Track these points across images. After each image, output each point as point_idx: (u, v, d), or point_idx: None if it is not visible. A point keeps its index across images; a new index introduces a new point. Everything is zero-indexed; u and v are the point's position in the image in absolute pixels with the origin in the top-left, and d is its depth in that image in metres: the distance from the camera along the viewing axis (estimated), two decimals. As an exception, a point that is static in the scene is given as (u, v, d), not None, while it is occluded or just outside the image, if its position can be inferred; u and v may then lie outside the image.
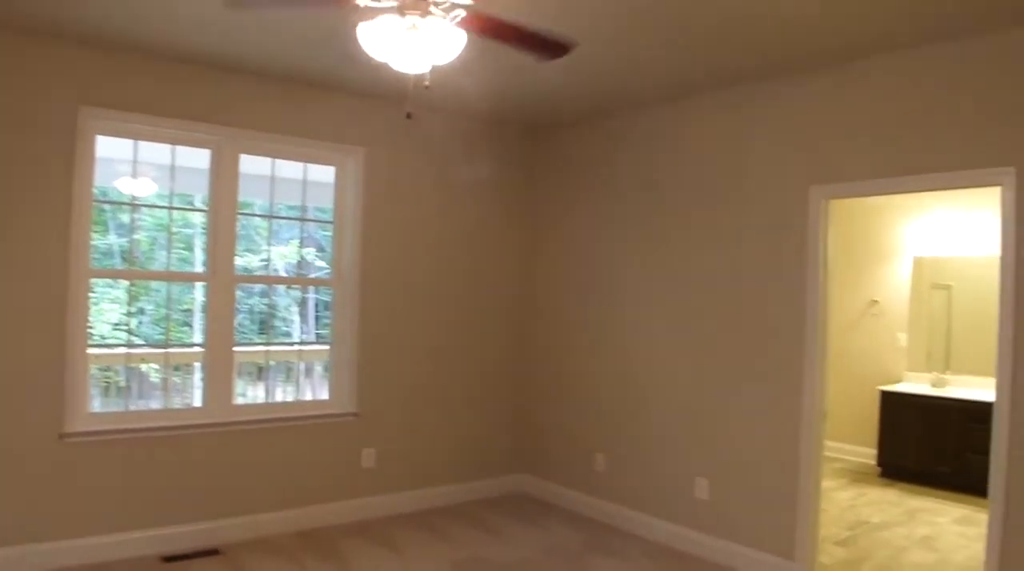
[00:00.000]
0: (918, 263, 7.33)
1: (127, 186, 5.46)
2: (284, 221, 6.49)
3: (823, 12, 3.54)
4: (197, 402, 5.20)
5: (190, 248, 8.52)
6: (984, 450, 5.88)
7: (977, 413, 6.27)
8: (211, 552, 4.55)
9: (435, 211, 5.68)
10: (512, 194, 6.15)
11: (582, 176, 5.79)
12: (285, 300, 9.95)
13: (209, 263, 4.86)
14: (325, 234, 7.01)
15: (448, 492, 5.76)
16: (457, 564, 4.56)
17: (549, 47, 3.07)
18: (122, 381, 6.39)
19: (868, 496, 6.29)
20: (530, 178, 6.22)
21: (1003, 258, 3.64)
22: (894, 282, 7.47)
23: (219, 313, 4.86)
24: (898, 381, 7.30)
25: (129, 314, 8.65)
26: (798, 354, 4.38)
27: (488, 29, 2.87)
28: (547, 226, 6.09)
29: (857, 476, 6.96)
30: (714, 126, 4.87)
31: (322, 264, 8.88)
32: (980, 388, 6.64)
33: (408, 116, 3.77)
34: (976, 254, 6.84)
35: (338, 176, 5.33)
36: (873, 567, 4.66)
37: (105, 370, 6.37)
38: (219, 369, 4.85)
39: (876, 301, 7.54)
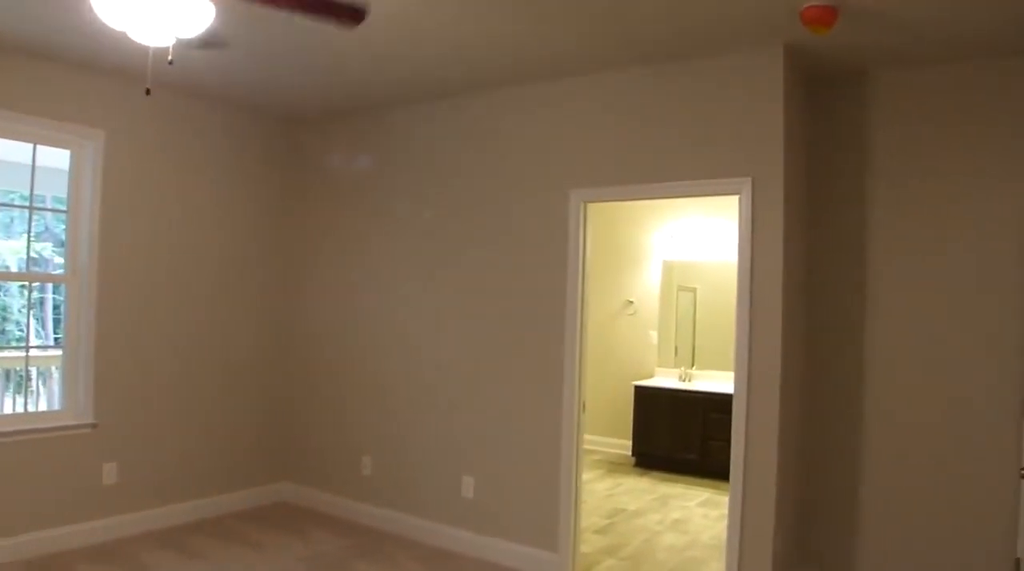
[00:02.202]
0: (667, 266, 7.89)
1: None
2: (16, 211, 5.69)
3: (575, 22, 3.69)
4: None
5: None
6: (724, 437, 6.41)
7: (718, 404, 6.86)
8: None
9: (187, 203, 5.26)
10: (276, 187, 5.84)
11: (352, 170, 5.61)
12: (18, 301, 8.80)
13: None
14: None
15: (203, 506, 5.35)
16: (212, 585, 4.23)
17: (335, 12, 2.88)
18: None
19: (624, 485, 6.66)
20: (296, 171, 5.93)
21: (740, 260, 3.97)
22: (647, 284, 8.00)
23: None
24: (650, 376, 7.82)
25: None
26: (559, 351, 4.51)
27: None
28: (314, 221, 5.83)
29: (613, 467, 7.36)
30: (484, 125, 4.91)
31: (62, 261, 7.94)
32: (721, 381, 7.27)
33: (147, 92, 3.42)
34: (717, 259, 7.48)
35: (73, 162, 4.76)
36: (631, 552, 4.91)
37: None
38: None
39: (631, 301, 8.03)
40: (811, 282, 4.37)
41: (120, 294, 4.89)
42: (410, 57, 4.27)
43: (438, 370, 5.05)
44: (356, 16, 2.94)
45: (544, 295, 4.60)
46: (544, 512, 4.54)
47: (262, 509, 5.64)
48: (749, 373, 3.93)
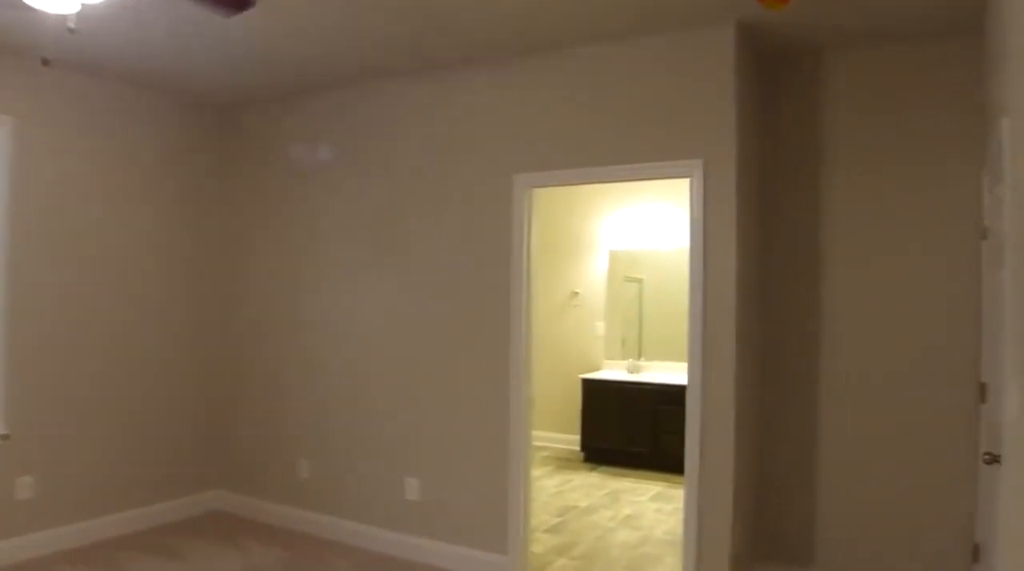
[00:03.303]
0: (613, 256, 7.75)
1: None
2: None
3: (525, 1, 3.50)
4: None
5: None
6: (673, 430, 6.33)
7: (667, 396, 6.77)
8: None
9: (108, 194, 4.90)
10: (206, 176, 5.50)
11: (284, 159, 5.31)
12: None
13: None
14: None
15: (129, 519, 5.00)
16: (137, 604, 3.92)
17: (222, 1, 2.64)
18: None
19: (574, 481, 6.51)
20: (227, 158, 5.59)
21: (692, 246, 3.82)
22: (593, 274, 7.85)
23: None
24: (598, 369, 7.68)
25: None
26: (505, 344, 4.32)
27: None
28: (247, 213, 5.51)
29: (563, 463, 7.20)
30: (423, 109, 4.67)
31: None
32: (669, 372, 7.18)
33: (44, 63, 3.13)
34: (664, 248, 7.37)
35: (-23, 150, 4.38)
36: (583, 551, 4.75)
37: None
38: None
39: (577, 292, 7.87)
40: (765, 268, 4.25)
41: (34, 292, 4.52)
42: (338, 36, 4.02)
43: (379, 366, 4.81)
44: (238, 5, 2.69)
45: (488, 287, 4.39)
46: (493, 513, 4.34)
47: (194, 520, 5.31)
48: (703, 363, 3.79)
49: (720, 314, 3.74)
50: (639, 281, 7.70)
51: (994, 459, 2.85)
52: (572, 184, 4.35)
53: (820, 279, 4.13)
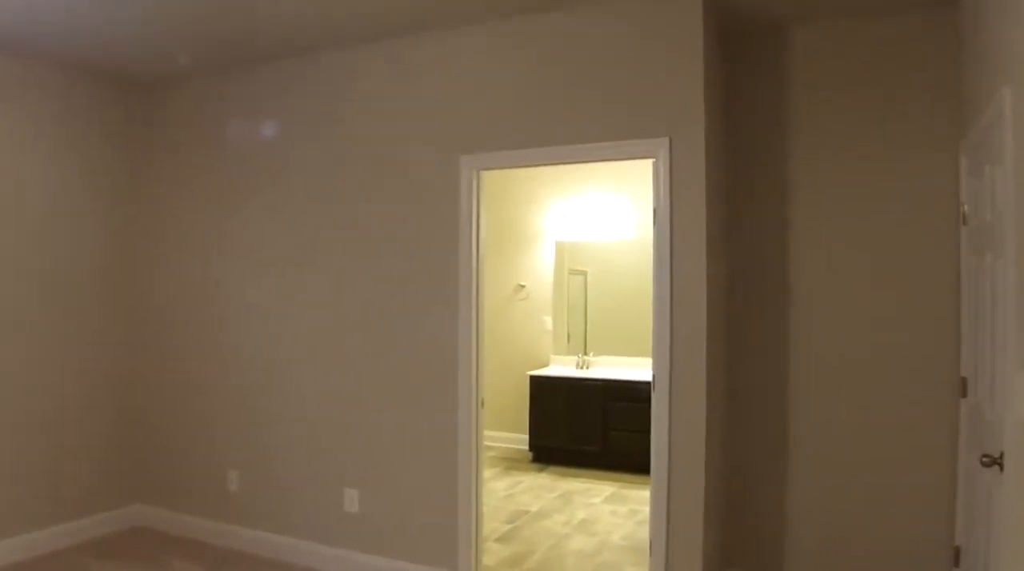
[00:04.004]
0: (559, 248, 7.45)
1: None
2: None
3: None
4: None
5: None
6: (626, 427, 6.08)
7: (617, 392, 6.50)
8: None
9: (7, 181, 4.36)
10: (118, 159, 4.96)
11: (205, 143, 4.83)
12: None
13: None
14: None
15: (40, 539, 4.47)
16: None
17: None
18: None
19: (524, 483, 6.19)
20: (141, 140, 5.07)
21: (657, 232, 3.53)
22: (539, 266, 7.53)
23: None
24: (545, 365, 7.37)
25: None
26: (453, 341, 3.96)
27: None
28: (166, 202, 5.00)
29: (511, 464, 6.87)
30: (360, 84, 4.27)
31: None
32: (619, 367, 6.92)
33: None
34: (613, 238, 7.10)
35: None
36: (538, 561, 4.43)
37: None
38: None
39: (523, 285, 7.55)
40: (732, 257, 3.99)
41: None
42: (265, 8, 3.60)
43: (314, 367, 4.39)
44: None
45: (435, 279, 4.03)
46: (441, 524, 3.98)
47: (112, 538, 4.80)
48: (671, 358, 3.49)
49: (689, 306, 3.46)
50: (583, 274, 7.41)
51: (994, 461, 2.62)
52: (525, 166, 4.01)
53: (788, 268, 3.89)
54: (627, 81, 3.58)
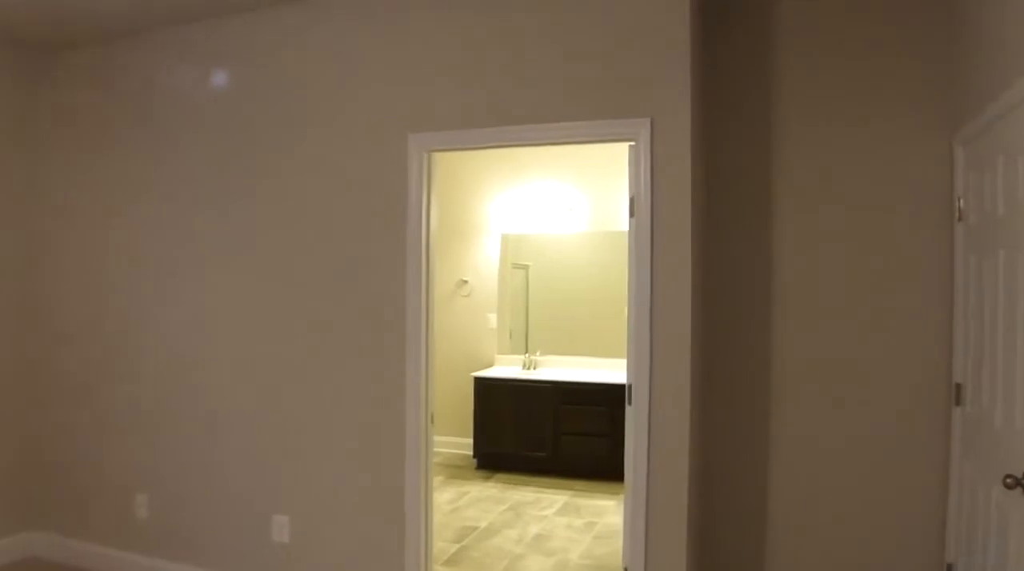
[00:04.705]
0: (505, 241, 7.06)
1: None
2: None
3: None
4: None
5: None
6: (577, 431, 5.75)
7: (569, 394, 6.16)
8: None
9: None
10: None
11: (113, 118, 4.23)
12: None
13: None
14: None
15: (-91, 575, 3.86)
16: None
17: None
18: None
19: (470, 494, 5.77)
20: (27, 117, 4.46)
21: (637, 223, 3.17)
22: (483, 260, 7.12)
23: None
24: (490, 365, 6.97)
25: None
26: (399, 346, 3.53)
27: None
28: (57, 190, 4.39)
29: (455, 471, 6.45)
30: (292, 48, 3.77)
31: None
32: (569, 367, 6.57)
33: None
34: (562, 232, 6.75)
35: None
36: (491, 586, 4.04)
37: None
38: None
39: (466, 281, 7.13)
40: (712, 249, 3.66)
41: None
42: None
43: (237, 376, 3.87)
44: None
45: (378, 275, 3.58)
46: (384, 553, 3.53)
47: (5, 568, 4.20)
48: (652, 363, 3.13)
49: (672, 305, 3.10)
50: (525, 268, 7.05)
51: (1018, 482, 2.34)
52: (484, 147, 3.59)
53: (771, 262, 3.58)
54: (604, 53, 3.19)
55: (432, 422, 3.57)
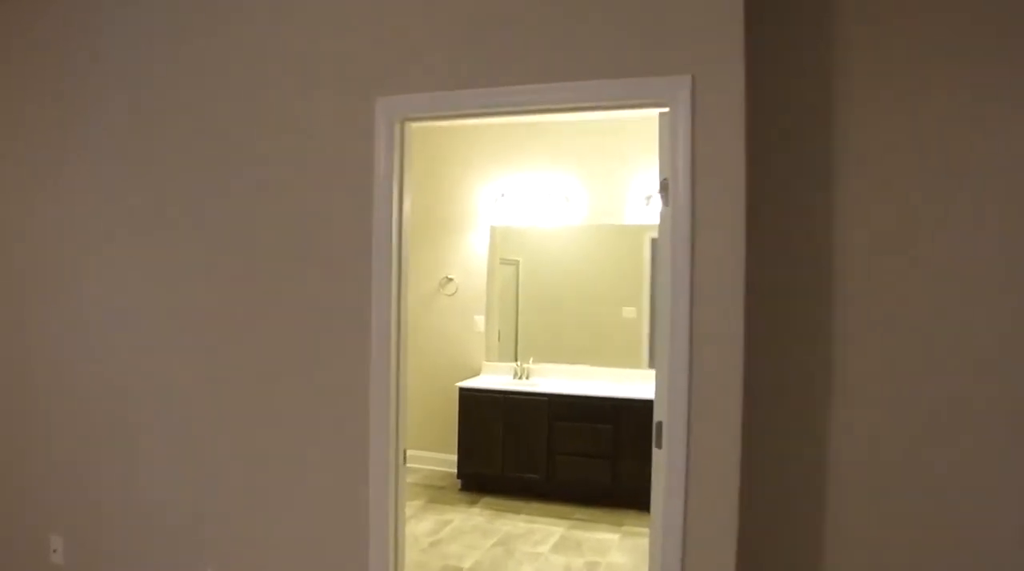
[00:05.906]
0: (494, 234, 6.32)
1: None
2: None
3: None
4: None
5: None
6: (573, 451, 5.04)
7: (564, 408, 5.46)
8: None
9: None
10: None
11: (36, 84, 3.47)
12: None
13: None
14: None
15: None
16: None
17: None
18: None
19: (453, 523, 5.03)
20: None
21: (676, 210, 2.44)
22: (469, 256, 6.38)
23: None
24: (477, 374, 6.23)
25: None
26: (362, 361, 2.79)
27: None
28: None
29: (435, 493, 5.71)
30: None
31: None
32: (566, 377, 5.87)
33: None
34: (561, 225, 6.05)
35: None
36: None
37: None
38: None
39: (451, 279, 6.39)
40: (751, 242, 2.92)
41: None
42: None
43: (166, 405, 3.11)
44: None
45: (339, 275, 2.84)
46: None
47: None
48: (690, 394, 2.41)
49: (717, 307, 2.39)
50: (515, 264, 6.33)
51: None
52: (471, 115, 2.84)
53: (831, 258, 2.85)
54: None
55: (404, 463, 2.84)
